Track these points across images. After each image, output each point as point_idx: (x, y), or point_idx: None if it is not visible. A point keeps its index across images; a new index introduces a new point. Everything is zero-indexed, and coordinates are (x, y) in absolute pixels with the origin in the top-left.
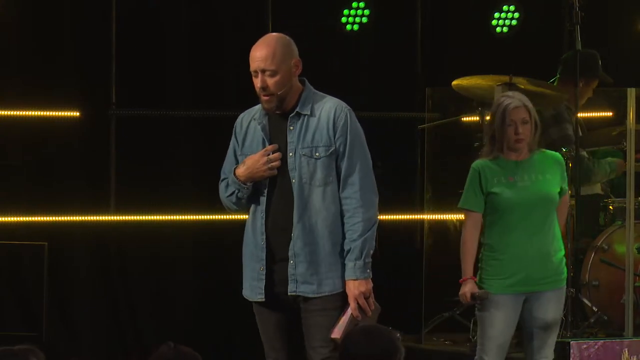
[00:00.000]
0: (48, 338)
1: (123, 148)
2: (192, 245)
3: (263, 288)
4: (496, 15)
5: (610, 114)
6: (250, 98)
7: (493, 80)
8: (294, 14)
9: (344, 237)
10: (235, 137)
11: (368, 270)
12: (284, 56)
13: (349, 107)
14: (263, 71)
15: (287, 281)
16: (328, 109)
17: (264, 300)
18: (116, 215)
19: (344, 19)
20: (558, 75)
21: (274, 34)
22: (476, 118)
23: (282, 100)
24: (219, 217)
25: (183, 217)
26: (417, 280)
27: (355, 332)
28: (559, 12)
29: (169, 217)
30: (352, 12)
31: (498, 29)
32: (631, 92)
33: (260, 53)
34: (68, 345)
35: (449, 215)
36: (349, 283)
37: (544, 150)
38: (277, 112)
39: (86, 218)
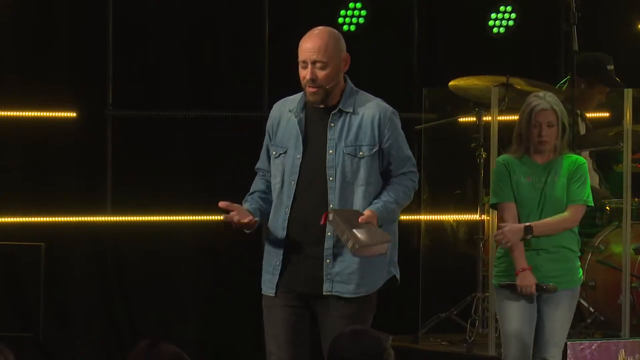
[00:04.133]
0: (44, 339)
1: (120, 149)
2: (190, 246)
3: (275, 283)
4: (493, 15)
5: (607, 114)
6: (248, 98)
7: (490, 81)
8: (291, 15)
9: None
10: (269, 129)
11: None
12: (335, 50)
13: (393, 110)
14: (314, 63)
15: (310, 279)
16: (373, 109)
17: (273, 294)
18: (113, 216)
19: (340, 20)
20: (569, 77)
21: (325, 27)
22: (473, 119)
23: (328, 94)
24: (217, 217)
25: (180, 217)
26: (413, 280)
27: (342, 334)
28: (556, 12)
29: (166, 218)
30: (349, 12)
31: (495, 30)
32: (628, 93)
33: (312, 44)
34: (64, 346)
35: (446, 216)
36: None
37: (569, 154)
38: (321, 106)
39: (83, 219)
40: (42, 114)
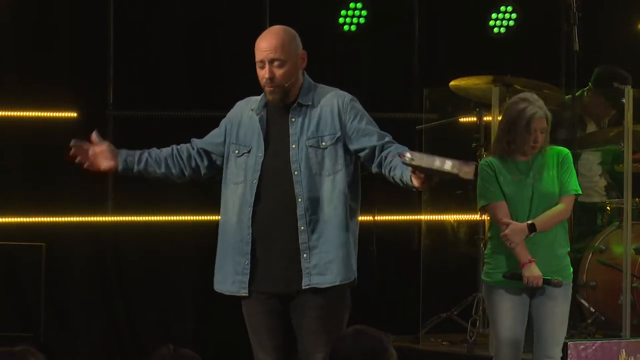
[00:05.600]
0: (45, 339)
1: (121, 149)
2: (190, 246)
3: (247, 283)
4: (493, 15)
5: None
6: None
7: (490, 81)
8: (291, 15)
9: (352, 221)
10: (226, 124)
11: None
12: (291, 47)
13: (352, 96)
14: (271, 61)
15: (284, 278)
16: (331, 98)
17: (247, 295)
18: (114, 216)
19: (341, 20)
20: (590, 86)
21: (279, 26)
22: (474, 119)
23: (287, 92)
24: (217, 217)
25: (181, 217)
26: (414, 281)
27: (343, 334)
28: (556, 13)
29: (167, 218)
30: (350, 12)
31: (495, 30)
32: (629, 92)
33: (268, 43)
34: (65, 346)
35: (447, 216)
36: None
37: (552, 147)
38: (281, 104)
39: (84, 219)
40: (42, 114)
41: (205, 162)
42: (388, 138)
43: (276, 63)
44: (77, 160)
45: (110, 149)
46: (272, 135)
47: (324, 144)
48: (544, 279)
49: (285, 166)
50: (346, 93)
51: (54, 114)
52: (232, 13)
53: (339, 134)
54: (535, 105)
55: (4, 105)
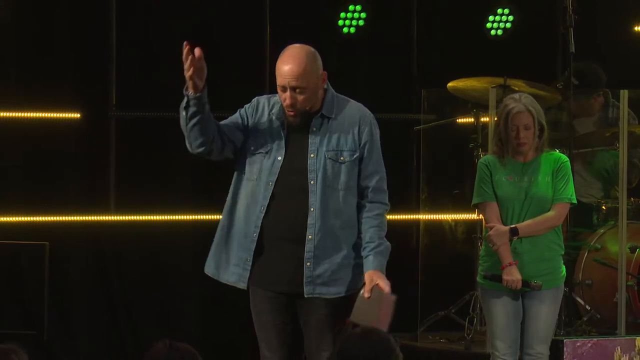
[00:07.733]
0: (49, 337)
1: (123, 149)
2: (192, 246)
3: (247, 278)
4: (491, 18)
5: None
6: (248, 99)
7: (488, 82)
8: (291, 17)
9: (358, 237)
10: (249, 114)
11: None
12: (312, 71)
13: (372, 115)
14: (293, 88)
15: (293, 279)
16: (353, 114)
17: (245, 288)
18: (116, 216)
19: (340, 22)
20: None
21: (300, 46)
22: (471, 119)
23: (307, 112)
24: (219, 217)
25: (183, 217)
26: (412, 279)
27: (352, 334)
28: (553, 15)
29: (169, 218)
30: (349, 15)
31: (493, 32)
32: (624, 94)
33: (290, 69)
34: (67, 345)
35: (444, 216)
36: (373, 273)
37: (552, 152)
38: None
39: (86, 218)
40: (46, 114)
41: (222, 149)
42: (378, 193)
43: (298, 90)
44: (187, 64)
45: (205, 72)
46: (291, 142)
47: (342, 158)
48: (523, 281)
49: (301, 174)
50: (368, 112)
51: (58, 115)
52: (232, 14)
53: (357, 154)
54: (518, 101)
55: (9, 106)
